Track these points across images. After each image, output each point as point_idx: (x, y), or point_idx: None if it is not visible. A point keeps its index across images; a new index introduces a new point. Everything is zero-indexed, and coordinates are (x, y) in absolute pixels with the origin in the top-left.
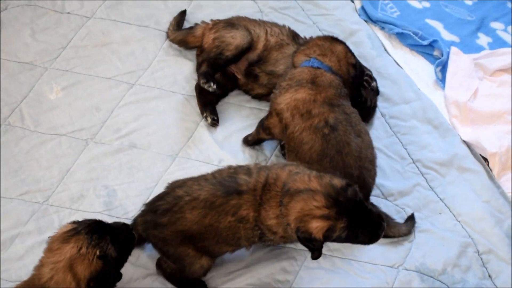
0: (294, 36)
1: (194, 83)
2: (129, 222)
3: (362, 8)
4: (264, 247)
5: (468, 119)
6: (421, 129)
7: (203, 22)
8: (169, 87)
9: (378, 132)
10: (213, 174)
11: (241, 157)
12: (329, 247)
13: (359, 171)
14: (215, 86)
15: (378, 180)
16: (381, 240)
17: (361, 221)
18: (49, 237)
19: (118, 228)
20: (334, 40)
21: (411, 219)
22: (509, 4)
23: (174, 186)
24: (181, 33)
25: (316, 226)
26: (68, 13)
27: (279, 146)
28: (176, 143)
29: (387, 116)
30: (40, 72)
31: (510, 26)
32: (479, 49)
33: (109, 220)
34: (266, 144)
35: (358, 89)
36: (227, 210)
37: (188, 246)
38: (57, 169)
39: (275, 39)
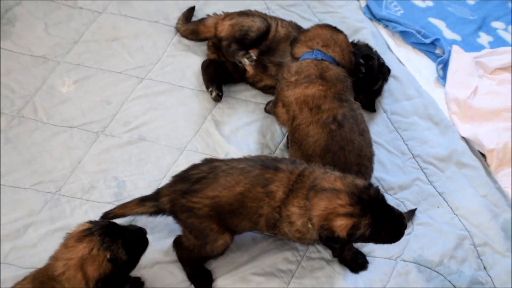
0: (299, 29)
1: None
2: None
3: (367, 6)
4: (268, 238)
5: (467, 116)
6: (422, 125)
7: (214, 13)
8: (178, 81)
9: (380, 127)
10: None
11: (246, 150)
12: None
13: (357, 168)
14: (254, 57)
15: (379, 174)
16: None
17: (384, 219)
18: (67, 232)
19: (132, 232)
20: (334, 29)
21: (411, 213)
22: (509, 4)
23: (211, 159)
24: (191, 23)
25: (340, 224)
26: (80, 8)
27: (285, 139)
28: (184, 136)
29: (389, 112)
30: (53, 66)
31: (511, 26)
32: (480, 47)
33: None
34: (271, 138)
35: (376, 79)
36: (260, 181)
37: (213, 221)
38: (69, 161)
39: (285, 30)
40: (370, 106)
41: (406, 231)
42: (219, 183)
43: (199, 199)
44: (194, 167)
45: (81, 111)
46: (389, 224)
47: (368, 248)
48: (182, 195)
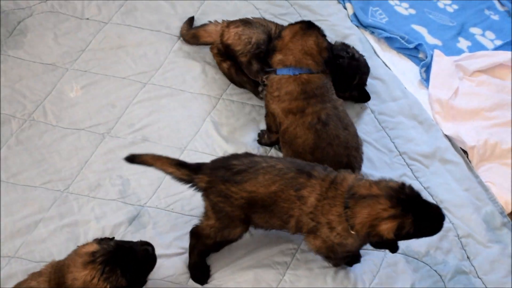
0: None
1: (201, 82)
2: (141, 208)
3: (354, 14)
4: (264, 232)
5: (449, 115)
6: (407, 124)
7: (215, 21)
8: (179, 86)
9: (368, 127)
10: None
11: (244, 150)
12: None
13: (347, 159)
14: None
15: (368, 170)
16: None
17: (424, 214)
18: (77, 246)
19: (138, 252)
20: (304, 33)
21: None
22: (486, 12)
23: (252, 154)
24: (193, 29)
25: (386, 228)
26: (87, 19)
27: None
28: (185, 136)
29: (376, 112)
30: (62, 73)
31: (487, 31)
32: (460, 52)
33: (123, 207)
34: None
35: (353, 75)
36: (293, 184)
37: (243, 212)
38: (77, 160)
39: None
40: (363, 97)
41: None
42: (257, 180)
43: (237, 190)
44: (236, 157)
45: (88, 114)
46: (430, 218)
47: None
48: (222, 181)
